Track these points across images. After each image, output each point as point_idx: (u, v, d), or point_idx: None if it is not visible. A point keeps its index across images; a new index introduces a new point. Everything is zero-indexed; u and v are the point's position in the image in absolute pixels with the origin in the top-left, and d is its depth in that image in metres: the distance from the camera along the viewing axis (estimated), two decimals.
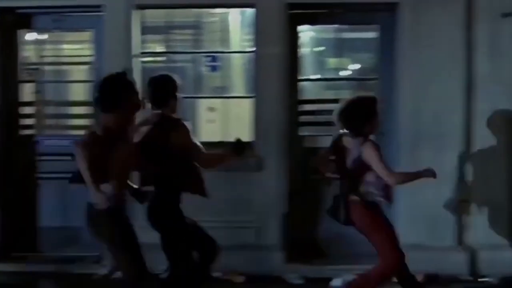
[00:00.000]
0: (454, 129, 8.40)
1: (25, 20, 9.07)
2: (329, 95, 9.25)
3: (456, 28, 8.38)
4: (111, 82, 5.92)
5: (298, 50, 8.95)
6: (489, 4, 8.37)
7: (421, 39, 8.38)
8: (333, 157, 6.81)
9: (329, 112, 8.98)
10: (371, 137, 6.61)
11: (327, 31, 9.27)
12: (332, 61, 9.21)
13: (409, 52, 8.42)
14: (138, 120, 6.36)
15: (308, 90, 9.23)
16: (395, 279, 6.74)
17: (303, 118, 8.94)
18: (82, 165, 5.66)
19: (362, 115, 6.55)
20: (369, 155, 6.44)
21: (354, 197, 6.59)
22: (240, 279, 8.40)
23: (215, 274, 8.24)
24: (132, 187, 6.37)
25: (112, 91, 5.88)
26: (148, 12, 8.95)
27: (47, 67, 9.30)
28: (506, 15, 8.31)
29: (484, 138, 8.38)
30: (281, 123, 8.60)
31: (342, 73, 9.63)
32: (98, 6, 8.68)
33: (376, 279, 6.55)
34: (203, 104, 9.62)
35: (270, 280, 8.38)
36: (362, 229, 6.65)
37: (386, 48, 8.69)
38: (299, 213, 8.74)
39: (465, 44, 8.41)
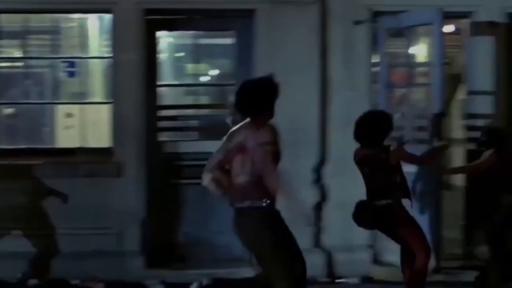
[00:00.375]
0: (310, 134, 8.56)
1: None
2: (188, 100, 9.29)
3: (311, 35, 8.56)
4: (261, 86, 5.76)
5: (157, 55, 8.95)
6: (342, 11, 8.60)
7: (277, 45, 8.51)
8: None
9: (188, 117, 9.10)
10: None
11: (186, 37, 9.32)
12: (191, 67, 9.26)
13: (265, 58, 8.54)
14: None
15: (167, 95, 9.25)
16: None
17: (162, 124, 8.94)
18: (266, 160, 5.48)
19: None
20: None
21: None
22: (99, 286, 8.32)
23: (74, 281, 8.17)
24: None
25: (262, 95, 5.71)
26: (4, 16, 8.77)
27: None
28: (358, 22, 8.57)
29: (339, 143, 8.58)
30: (140, 129, 8.57)
31: (201, 79, 9.69)
32: None
33: (423, 269, 6.82)
34: (61, 110, 9.49)
35: (130, 286, 8.34)
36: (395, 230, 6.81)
37: (243, 54, 8.78)
38: (159, 219, 8.73)
39: (320, 51, 8.60)
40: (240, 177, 5.60)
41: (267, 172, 5.52)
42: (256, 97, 5.69)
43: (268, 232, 5.56)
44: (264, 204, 5.57)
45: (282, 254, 5.58)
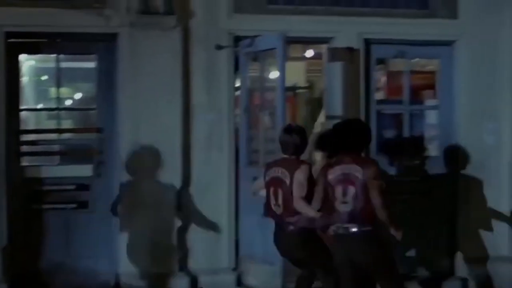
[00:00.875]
0: (173, 157, 8.59)
1: None
2: (51, 124, 9.17)
3: (174, 59, 8.60)
4: (367, 127, 7.08)
5: (19, 79, 8.83)
6: (205, 36, 8.69)
7: (140, 69, 8.52)
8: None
9: (51, 142, 8.98)
10: None
11: (49, 60, 9.21)
12: (54, 91, 9.13)
13: (128, 81, 8.54)
14: None
15: (30, 119, 9.12)
16: None
17: (24, 148, 8.79)
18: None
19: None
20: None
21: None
22: None
23: None
24: None
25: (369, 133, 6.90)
26: None
27: None
28: (220, 47, 8.69)
29: (201, 166, 8.67)
30: (1, 154, 8.41)
31: (65, 103, 9.60)
32: None
33: None
34: None
35: None
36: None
37: (106, 78, 8.74)
38: (21, 245, 8.57)
39: (183, 75, 8.65)
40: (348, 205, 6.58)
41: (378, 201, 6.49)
42: (365, 136, 6.82)
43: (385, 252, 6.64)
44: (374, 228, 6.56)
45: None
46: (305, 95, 13.21)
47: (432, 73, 10.11)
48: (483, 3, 9.27)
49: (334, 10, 9.02)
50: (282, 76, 8.23)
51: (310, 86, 13.14)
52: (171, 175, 8.58)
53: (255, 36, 8.58)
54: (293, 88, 12.76)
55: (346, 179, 6.61)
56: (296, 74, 12.57)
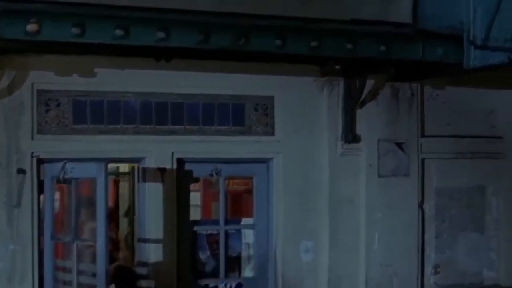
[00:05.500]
0: None
1: None
2: None
3: None
4: None
5: None
6: (6, 160, 8.05)
7: None
8: None
9: None
10: None
11: None
12: None
13: None
14: None
15: None
16: None
17: None
18: None
19: None
20: None
21: None
22: None
23: None
24: None
25: None
26: None
27: None
28: (21, 171, 8.07)
29: None
30: None
31: None
32: None
33: None
34: None
35: None
36: None
37: None
38: None
39: None
40: None
41: None
42: None
43: None
44: None
45: None
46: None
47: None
48: (299, 121, 9.15)
49: (145, 129, 8.63)
50: (104, 207, 7.85)
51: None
52: None
53: (65, 160, 8.12)
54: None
55: None
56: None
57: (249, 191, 9.63)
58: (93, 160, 8.12)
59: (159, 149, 8.62)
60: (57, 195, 8.62)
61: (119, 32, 7.10)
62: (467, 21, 8.18)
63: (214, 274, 9.14)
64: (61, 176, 8.17)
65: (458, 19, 8.31)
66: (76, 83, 8.29)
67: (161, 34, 7.27)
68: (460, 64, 8.29)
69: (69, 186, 8.32)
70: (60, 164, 8.16)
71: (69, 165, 8.14)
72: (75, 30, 6.99)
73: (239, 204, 10.42)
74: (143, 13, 7.43)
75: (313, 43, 7.82)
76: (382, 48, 8.09)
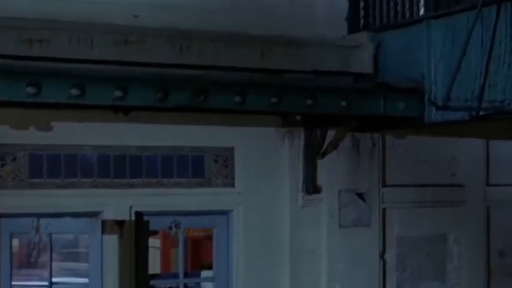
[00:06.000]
0: None
1: None
2: None
3: None
4: None
5: None
6: None
7: None
8: None
9: None
10: None
11: None
12: None
13: None
14: None
15: None
16: None
17: None
18: None
19: None
20: None
21: None
22: None
23: None
24: None
25: None
26: None
27: None
28: None
29: None
30: None
31: None
32: None
33: None
34: None
35: None
36: None
37: None
38: None
39: None
40: None
41: None
42: None
43: None
44: None
45: None
46: None
47: None
48: (260, 172, 9.05)
49: (102, 182, 8.47)
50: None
51: None
52: None
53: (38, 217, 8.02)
54: None
55: None
56: None
57: (210, 238, 9.54)
58: (50, 215, 7.98)
59: (117, 203, 8.47)
60: None
61: (74, 91, 6.93)
62: (428, 75, 8.11)
63: None
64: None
65: (419, 71, 8.23)
66: (33, 136, 8.14)
67: (118, 93, 7.10)
68: (422, 118, 8.24)
69: None
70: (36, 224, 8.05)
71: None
72: (30, 90, 6.83)
73: (199, 250, 10.32)
74: (100, 69, 7.30)
75: (273, 99, 7.70)
76: (343, 103, 7.98)
